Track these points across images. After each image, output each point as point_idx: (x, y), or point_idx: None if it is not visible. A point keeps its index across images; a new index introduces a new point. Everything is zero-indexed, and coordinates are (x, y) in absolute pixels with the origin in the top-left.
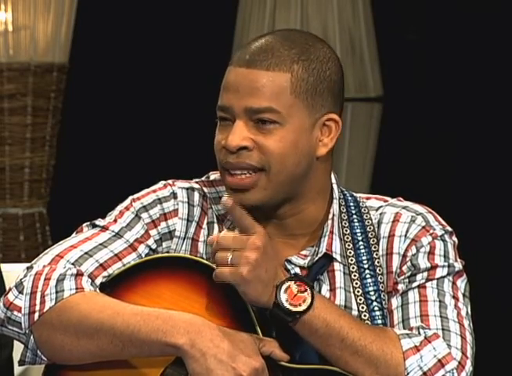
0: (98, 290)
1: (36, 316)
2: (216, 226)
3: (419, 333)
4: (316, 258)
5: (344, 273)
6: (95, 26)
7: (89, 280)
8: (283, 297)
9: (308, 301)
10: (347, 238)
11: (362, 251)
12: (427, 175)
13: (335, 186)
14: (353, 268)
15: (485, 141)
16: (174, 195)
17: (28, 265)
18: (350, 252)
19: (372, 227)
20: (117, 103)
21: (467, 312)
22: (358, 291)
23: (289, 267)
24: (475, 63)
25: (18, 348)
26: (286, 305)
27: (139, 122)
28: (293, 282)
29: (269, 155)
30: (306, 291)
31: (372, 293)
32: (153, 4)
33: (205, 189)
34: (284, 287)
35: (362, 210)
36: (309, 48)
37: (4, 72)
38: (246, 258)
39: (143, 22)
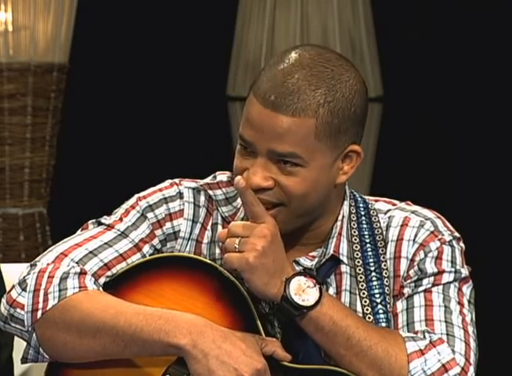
0: (101, 289)
1: (39, 313)
2: (220, 228)
3: (424, 337)
4: (324, 260)
5: (351, 275)
6: (95, 26)
7: (92, 279)
8: (292, 291)
9: (317, 296)
10: (355, 240)
11: (370, 253)
12: (427, 176)
13: (346, 188)
14: (359, 270)
15: (486, 141)
16: (180, 195)
17: (32, 262)
18: (357, 254)
19: (380, 230)
20: (117, 103)
21: (472, 318)
22: (363, 293)
23: (297, 268)
24: (476, 63)
25: (18, 348)
26: (295, 298)
27: (139, 122)
28: (302, 277)
29: (290, 195)
30: (315, 286)
31: (377, 295)
32: (153, 4)
33: (210, 192)
34: (293, 281)
35: (371, 212)
36: (335, 84)
37: (4, 72)
38: (253, 245)
39: (143, 22)
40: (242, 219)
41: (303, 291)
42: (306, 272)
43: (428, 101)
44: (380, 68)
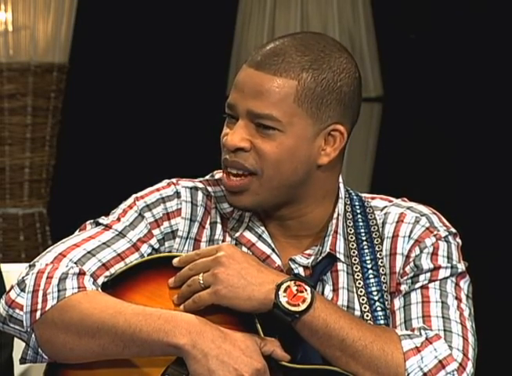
0: (100, 289)
1: (38, 314)
2: (219, 226)
3: (420, 334)
4: (320, 258)
5: (348, 273)
6: (95, 26)
7: (91, 280)
8: (283, 297)
9: (308, 300)
10: (352, 238)
11: (366, 250)
12: (427, 176)
13: (341, 186)
14: (356, 268)
15: (486, 141)
16: (177, 194)
17: (31, 263)
18: (354, 252)
19: (376, 227)
20: (117, 103)
21: (470, 313)
22: (361, 291)
23: (293, 266)
24: (477, 63)
25: (18, 348)
26: (286, 305)
27: (140, 122)
28: (292, 282)
29: (264, 159)
30: (306, 290)
31: (375, 293)
32: (153, 4)
33: (209, 188)
34: (284, 287)
35: (367, 210)
36: (324, 56)
37: (4, 72)
38: (217, 275)
39: (143, 22)
40: (240, 216)
41: (294, 296)
42: (297, 276)
43: (428, 101)
44: (380, 68)
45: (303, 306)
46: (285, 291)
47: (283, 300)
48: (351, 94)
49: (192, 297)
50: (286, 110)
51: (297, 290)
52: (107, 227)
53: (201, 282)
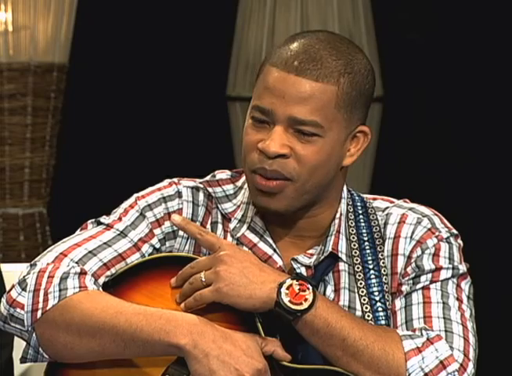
0: (101, 289)
1: (39, 313)
2: (220, 226)
3: (421, 334)
4: (322, 258)
5: (349, 273)
6: (95, 26)
7: (92, 279)
8: (285, 295)
9: (310, 299)
10: (353, 238)
11: (368, 251)
12: (427, 176)
13: (344, 186)
14: (358, 268)
15: (487, 141)
16: (179, 194)
17: (32, 262)
18: (355, 252)
19: (378, 228)
20: (117, 103)
21: (471, 314)
22: (362, 292)
23: (295, 266)
24: (477, 62)
25: (18, 348)
26: (288, 303)
27: (140, 121)
28: (294, 281)
29: (303, 165)
30: (308, 289)
31: (376, 293)
32: (153, 4)
33: (210, 189)
34: (286, 285)
35: (369, 210)
36: (352, 59)
37: (4, 72)
38: (218, 273)
39: (143, 22)
40: (242, 216)
41: (296, 295)
42: (299, 275)
43: (428, 101)
44: (380, 68)
45: (305, 305)
46: (287, 289)
47: (286, 299)
48: (372, 94)
49: (194, 295)
50: (328, 116)
51: (299, 289)
52: (108, 227)
53: (203, 280)
